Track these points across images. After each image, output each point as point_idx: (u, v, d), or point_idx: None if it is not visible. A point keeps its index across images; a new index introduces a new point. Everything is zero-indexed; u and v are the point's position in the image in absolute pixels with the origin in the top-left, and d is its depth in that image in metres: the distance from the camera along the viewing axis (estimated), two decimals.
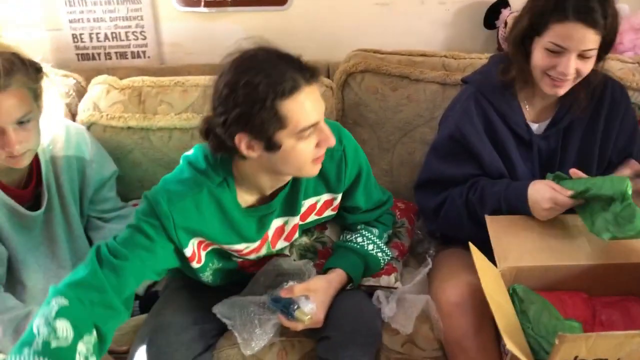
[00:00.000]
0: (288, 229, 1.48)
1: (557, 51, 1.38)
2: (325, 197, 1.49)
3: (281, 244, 1.51)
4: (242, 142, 1.20)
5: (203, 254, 1.39)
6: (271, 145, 1.20)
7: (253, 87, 1.14)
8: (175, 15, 2.22)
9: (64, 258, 1.63)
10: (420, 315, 1.50)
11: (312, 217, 1.52)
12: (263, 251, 1.47)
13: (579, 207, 1.39)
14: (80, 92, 2.01)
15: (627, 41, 2.11)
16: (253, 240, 1.41)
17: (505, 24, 2.13)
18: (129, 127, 1.88)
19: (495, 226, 1.41)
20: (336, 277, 1.47)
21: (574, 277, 1.40)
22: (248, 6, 2.20)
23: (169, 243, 1.30)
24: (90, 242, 1.69)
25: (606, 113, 1.56)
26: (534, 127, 1.59)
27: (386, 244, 1.62)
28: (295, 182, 1.40)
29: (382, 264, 1.57)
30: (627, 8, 2.12)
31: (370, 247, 1.55)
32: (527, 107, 1.58)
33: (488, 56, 2.00)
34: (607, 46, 1.42)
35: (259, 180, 1.33)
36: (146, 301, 1.66)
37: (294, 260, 1.51)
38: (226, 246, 1.39)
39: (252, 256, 1.46)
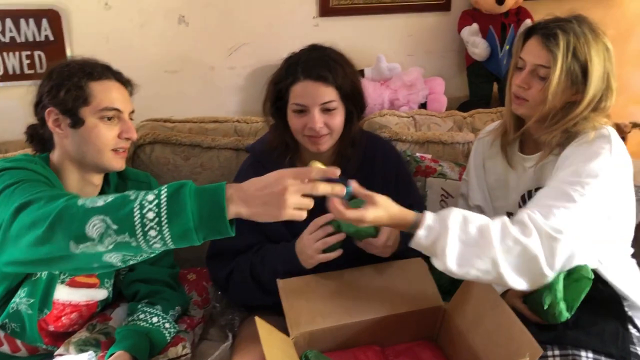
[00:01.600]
0: None
1: (302, 110, 1.47)
2: None
3: None
4: (50, 116, 1.36)
5: None
6: (75, 121, 1.35)
7: (65, 66, 1.38)
8: None
9: None
10: None
11: None
12: None
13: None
14: None
15: (402, 97, 2.31)
16: None
17: None
18: None
19: (287, 290, 1.41)
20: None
21: (366, 332, 1.43)
22: (23, 80, 2.04)
23: None
24: None
25: (381, 171, 1.65)
26: None
27: (175, 320, 1.56)
28: None
29: (167, 337, 1.50)
30: (399, 67, 2.33)
31: (155, 319, 1.48)
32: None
33: None
34: (350, 98, 1.50)
35: (67, 178, 1.40)
36: None
37: (74, 355, 1.37)
38: None
39: None
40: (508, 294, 1.52)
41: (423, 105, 2.35)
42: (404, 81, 2.31)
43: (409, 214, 1.30)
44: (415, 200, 1.73)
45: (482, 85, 2.47)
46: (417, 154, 2.00)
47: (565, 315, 1.35)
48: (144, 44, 2.15)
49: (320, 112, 1.47)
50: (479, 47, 2.35)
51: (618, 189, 1.38)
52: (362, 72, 2.35)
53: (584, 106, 1.39)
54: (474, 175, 1.72)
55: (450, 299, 1.48)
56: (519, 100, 1.46)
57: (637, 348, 1.39)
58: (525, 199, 1.57)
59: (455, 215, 1.27)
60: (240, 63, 2.28)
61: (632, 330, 1.44)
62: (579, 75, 1.37)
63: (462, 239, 1.24)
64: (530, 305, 1.46)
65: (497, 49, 2.34)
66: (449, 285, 1.66)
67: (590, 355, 1.32)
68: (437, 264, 1.27)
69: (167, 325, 1.51)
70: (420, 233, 1.25)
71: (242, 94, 2.32)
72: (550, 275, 1.28)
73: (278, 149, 1.58)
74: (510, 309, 1.29)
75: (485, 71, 2.43)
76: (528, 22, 2.36)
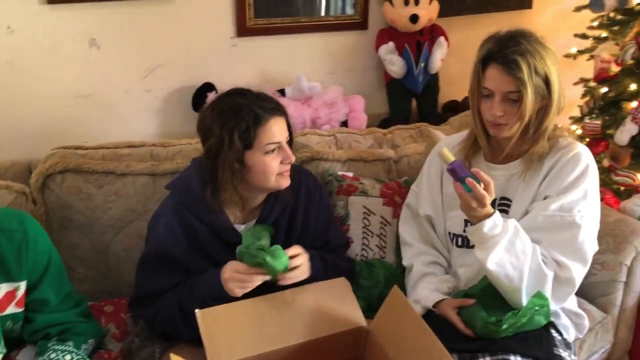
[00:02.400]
0: None
1: (275, 150, 1.48)
2: (5, 287, 1.32)
3: None
4: None
5: None
6: None
7: None
8: None
9: None
10: None
11: None
12: None
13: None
14: None
15: (323, 115, 2.32)
16: None
17: None
18: None
19: (207, 320, 1.36)
20: None
21: (290, 358, 1.41)
22: None
23: None
24: None
25: (304, 206, 1.66)
26: (240, 228, 1.60)
27: (90, 354, 1.49)
28: None
29: None
30: (319, 86, 2.35)
31: (68, 357, 1.40)
32: (236, 212, 1.60)
33: (198, 140, 2.02)
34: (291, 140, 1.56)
35: None
36: None
37: None
38: None
39: None
40: (443, 303, 1.56)
41: (344, 123, 2.37)
42: (324, 100, 2.32)
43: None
44: (332, 238, 1.75)
45: (400, 101, 2.52)
46: (339, 173, 2.01)
47: (504, 335, 1.44)
48: (53, 68, 2.06)
49: (287, 145, 1.51)
50: (395, 65, 2.40)
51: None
52: (282, 92, 2.35)
53: (554, 109, 1.49)
54: (427, 185, 1.74)
55: (373, 319, 1.48)
56: (498, 126, 1.51)
57: (560, 350, 1.48)
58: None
59: (513, 222, 1.42)
60: (157, 85, 2.22)
61: (554, 334, 1.52)
62: (544, 87, 1.46)
63: (508, 246, 1.39)
64: (465, 318, 1.50)
65: (413, 66, 2.39)
66: (377, 302, 1.67)
67: (519, 359, 1.41)
68: (480, 254, 1.41)
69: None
70: (488, 222, 1.37)
71: (160, 116, 2.26)
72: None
73: (224, 194, 1.51)
74: (429, 329, 1.30)
75: (403, 88, 2.48)
76: (442, 40, 2.44)
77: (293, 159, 1.51)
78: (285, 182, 1.53)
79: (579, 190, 1.49)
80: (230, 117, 1.44)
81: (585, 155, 1.52)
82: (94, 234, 1.86)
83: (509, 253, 1.39)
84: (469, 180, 1.34)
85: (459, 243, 1.66)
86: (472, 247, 1.60)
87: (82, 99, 2.12)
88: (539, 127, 1.51)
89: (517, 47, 1.43)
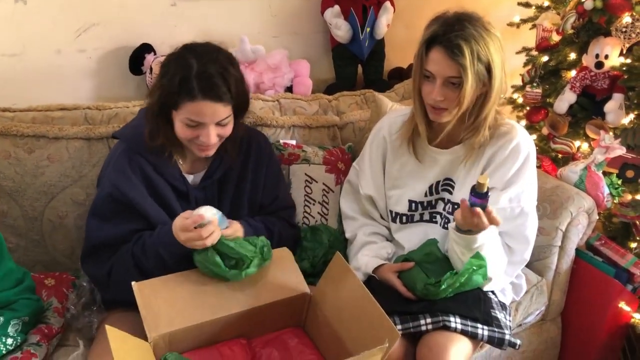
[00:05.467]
0: None
1: (195, 125, 1.43)
2: None
3: None
4: None
5: None
6: None
7: None
8: None
9: None
10: None
11: None
12: None
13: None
14: None
15: (267, 80, 2.26)
16: None
17: (151, 69, 2.10)
18: None
19: (144, 293, 1.33)
20: None
21: (231, 326, 1.40)
22: None
23: None
24: None
25: (254, 163, 1.66)
26: (190, 178, 1.60)
27: (24, 332, 1.45)
28: None
29: (2, 349, 1.38)
30: (263, 49, 2.28)
31: None
32: (180, 161, 1.59)
33: (136, 104, 1.95)
34: (239, 105, 1.50)
35: None
36: None
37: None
38: None
39: None
40: (383, 268, 1.60)
41: (289, 89, 2.32)
42: (268, 64, 2.26)
43: None
44: (281, 194, 1.76)
45: (346, 67, 2.48)
46: (281, 141, 1.98)
47: (444, 295, 1.48)
48: None
49: (214, 126, 1.44)
50: (341, 29, 2.35)
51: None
52: None
53: (494, 97, 1.50)
54: (369, 165, 1.74)
55: (315, 285, 1.49)
56: (438, 110, 1.51)
57: (496, 312, 1.54)
58: (432, 189, 1.66)
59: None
60: (91, 45, 2.10)
61: (491, 296, 1.59)
62: (485, 74, 1.46)
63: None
64: (406, 280, 1.53)
65: (359, 31, 2.35)
66: (321, 265, 1.68)
67: (459, 320, 1.46)
68: (465, 255, 1.49)
69: (7, 340, 1.38)
70: (480, 237, 1.44)
71: (95, 79, 2.14)
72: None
73: (156, 141, 1.49)
74: (370, 295, 1.31)
75: (349, 53, 2.44)
76: (388, 5, 2.40)
77: (211, 142, 1.45)
78: (204, 154, 1.51)
79: (524, 181, 1.57)
80: (173, 72, 1.42)
81: (524, 144, 1.57)
82: (25, 200, 1.77)
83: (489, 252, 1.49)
84: (489, 209, 1.39)
85: (403, 221, 1.69)
86: (417, 222, 1.65)
87: (8, 58, 1.98)
88: (478, 114, 1.52)
89: (462, 31, 1.42)
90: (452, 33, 1.42)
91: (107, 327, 1.14)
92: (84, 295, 1.66)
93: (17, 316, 1.43)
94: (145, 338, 1.27)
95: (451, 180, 1.63)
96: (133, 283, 1.33)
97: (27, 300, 1.47)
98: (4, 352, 1.38)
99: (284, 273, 1.48)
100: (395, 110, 1.93)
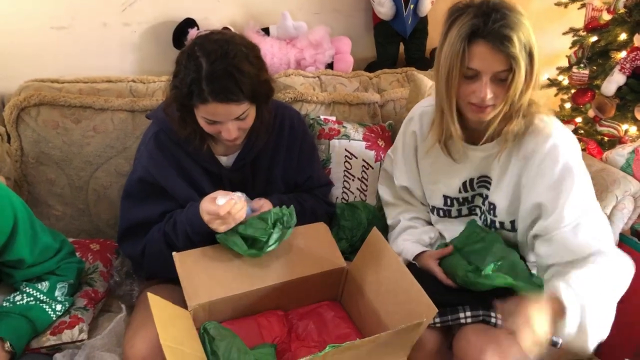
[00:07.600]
0: None
1: (214, 122, 1.42)
2: None
3: None
4: None
5: None
6: None
7: None
8: None
9: None
10: None
11: None
12: None
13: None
14: None
15: (309, 57, 2.25)
16: None
17: None
18: None
19: (185, 263, 1.36)
20: None
21: (268, 298, 1.42)
22: None
23: None
24: None
25: (287, 142, 1.65)
26: (223, 160, 1.60)
27: (71, 294, 1.49)
28: None
29: (52, 315, 1.43)
30: (305, 25, 2.27)
31: (31, 301, 1.40)
32: (213, 143, 1.58)
33: None
34: (259, 95, 1.45)
35: None
36: None
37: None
38: None
39: None
40: (424, 255, 1.55)
41: (330, 66, 2.31)
42: (310, 40, 2.25)
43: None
44: (315, 173, 1.75)
45: (388, 45, 2.45)
46: (321, 117, 1.97)
47: (484, 283, 1.38)
48: None
49: (233, 121, 1.42)
50: (384, 6, 2.32)
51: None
52: (266, 30, 2.27)
53: (533, 84, 1.36)
54: (402, 157, 1.68)
55: (353, 260, 1.49)
56: (482, 108, 1.37)
57: None
58: (466, 185, 1.57)
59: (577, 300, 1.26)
60: (136, 19, 2.13)
61: None
62: (529, 62, 1.33)
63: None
64: (446, 268, 1.49)
65: (402, 8, 2.31)
66: (359, 244, 1.66)
67: (499, 315, 1.38)
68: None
69: (53, 302, 1.43)
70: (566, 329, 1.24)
71: (139, 52, 2.18)
72: None
73: (185, 131, 1.49)
74: (407, 270, 1.31)
75: (391, 31, 2.41)
76: None
77: (232, 137, 1.43)
78: (231, 144, 1.50)
79: (573, 197, 1.37)
80: (184, 73, 1.38)
81: (562, 149, 1.40)
82: (71, 169, 1.82)
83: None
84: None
85: (441, 214, 1.64)
86: (455, 217, 1.60)
87: (56, 31, 2.03)
88: (515, 102, 1.38)
89: (505, 19, 1.29)
90: (496, 24, 1.29)
91: (149, 294, 1.17)
92: (126, 264, 1.70)
93: (63, 280, 1.47)
94: (184, 308, 1.30)
95: (487, 177, 1.54)
96: (174, 253, 1.36)
97: (69, 264, 1.50)
98: (54, 318, 1.43)
99: (321, 247, 1.49)
100: (428, 97, 1.85)
